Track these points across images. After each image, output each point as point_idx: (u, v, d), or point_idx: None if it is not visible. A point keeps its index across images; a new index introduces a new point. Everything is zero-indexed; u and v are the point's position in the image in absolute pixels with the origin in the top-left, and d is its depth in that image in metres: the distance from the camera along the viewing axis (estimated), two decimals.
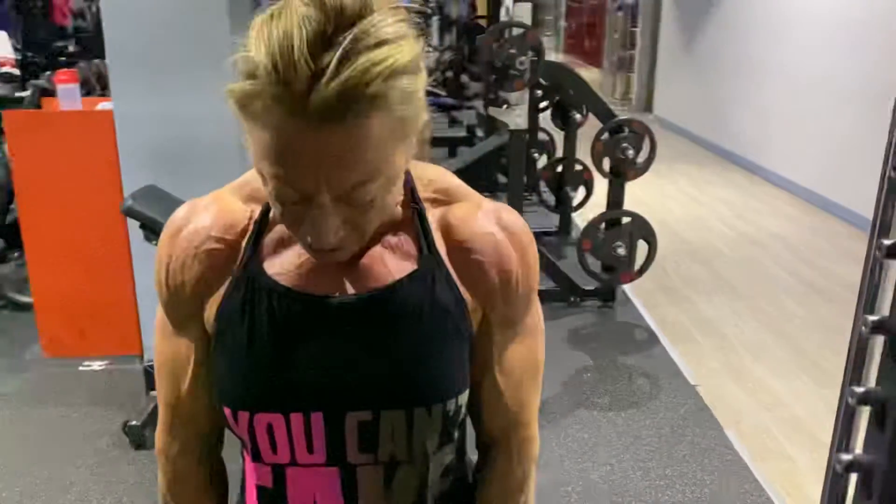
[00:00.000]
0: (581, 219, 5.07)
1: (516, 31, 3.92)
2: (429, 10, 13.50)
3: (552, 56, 15.54)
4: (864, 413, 1.02)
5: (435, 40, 12.58)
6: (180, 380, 0.90)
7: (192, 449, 0.95)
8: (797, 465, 2.82)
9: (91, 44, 7.43)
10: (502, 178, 5.40)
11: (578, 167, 5.10)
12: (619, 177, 3.99)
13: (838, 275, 4.66)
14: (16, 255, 3.89)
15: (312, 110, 0.64)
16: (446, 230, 0.85)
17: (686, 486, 2.68)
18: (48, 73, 3.80)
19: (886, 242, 0.88)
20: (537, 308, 0.92)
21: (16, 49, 6.22)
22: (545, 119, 5.41)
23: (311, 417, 0.82)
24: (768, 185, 6.92)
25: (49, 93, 3.50)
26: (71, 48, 8.67)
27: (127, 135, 2.97)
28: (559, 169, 5.20)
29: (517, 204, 4.14)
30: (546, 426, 3.02)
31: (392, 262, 0.83)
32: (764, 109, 7.20)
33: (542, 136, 5.61)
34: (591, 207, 4.94)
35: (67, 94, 3.19)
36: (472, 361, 0.87)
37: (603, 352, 3.69)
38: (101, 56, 2.92)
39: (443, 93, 8.47)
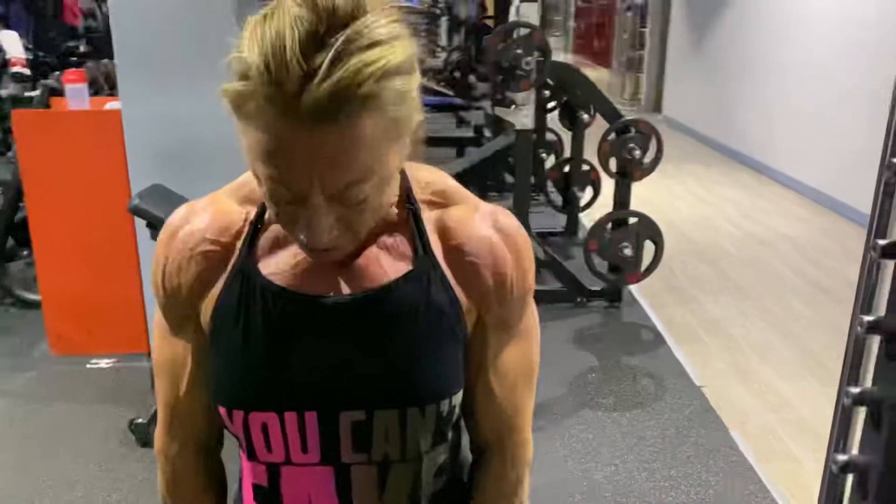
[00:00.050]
0: (588, 219, 5.06)
1: (523, 32, 3.92)
2: (438, 11, 13.52)
3: (561, 56, 15.53)
4: (863, 414, 1.02)
5: (443, 40, 12.59)
6: (179, 380, 0.91)
7: (190, 449, 0.96)
8: (802, 467, 2.81)
9: (101, 44, 7.46)
10: (510, 179, 5.40)
11: (586, 167, 5.09)
12: (625, 177, 3.98)
13: (846, 275, 4.63)
14: (24, 253, 3.91)
15: (304, 111, 0.65)
16: (443, 232, 0.85)
17: (690, 486, 2.68)
18: (58, 73, 3.82)
19: (882, 242, 0.88)
20: (532, 311, 0.92)
21: (27, 49, 6.27)
22: (553, 119, 5.40)
23: (306, 417, 0.83)
24: (776, 186, 6.89)
25: (58, 92, 3.52)
26: (82, 48, 8.72)
27: (134, 134, 2.99)
28: (566, 169, 5.20)
29: (524, 204, 4.14)
30: (550, 426, 3.02)
31: (387, 263, 0.84)
32: (772, 110, 7.17)
33: (549, 136, 5.60)
34: (598, 208, 4.93)
35: (75, 93, 3.21)
36: (467, 364, 0.87)
37: (608, 352, 3.68)
38: (112, 56, 2.94)
39: (450, 93, 8.47)
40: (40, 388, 3.27)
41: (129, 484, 2.62)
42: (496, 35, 4.04)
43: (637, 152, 3.88)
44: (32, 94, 3.86)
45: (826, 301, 4.31)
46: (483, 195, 4.57)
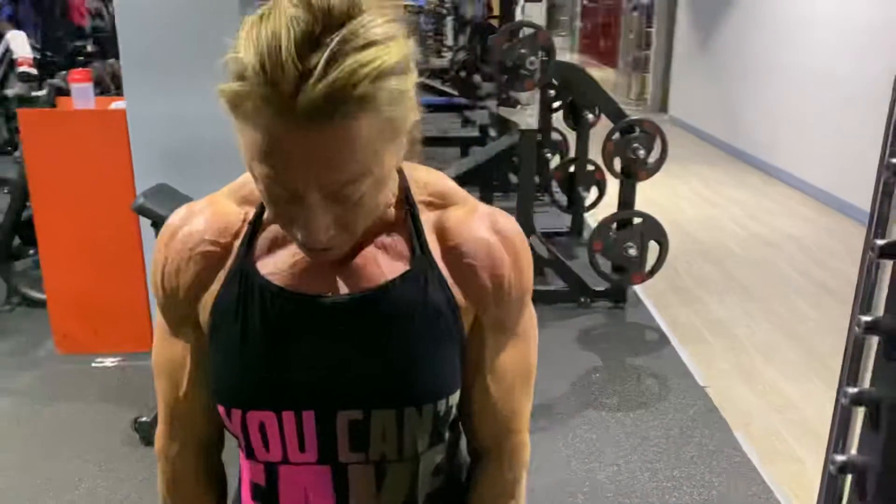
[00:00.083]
0: (594, 219, 5.06)
1: (527, 32, 3.92)
2: (444, 11, 13.50)
3: (567, 56, 15.52)
4: (862, 414, 1.01)
5: (449, 40, 12.58)
6: (178, 381, 0.91)
7: (190, 450, 0.96)
8: (806, 468, 2.80)
9: (108, 44, 7.50)
10: (514, 178, 5.40)
11: (591, 167, 5.09)
12: (630, 177, 3.98)
13: (851, 276, 4.59)
14: (31, 252, 3.93)
15: (300, 111, 0.65)
16: (441, 233, 0.86)
17: (694, 487, 2.67)
18: (64, 72, 3.84)
19: (880, 242, 0.88)
20: (531, 313, 0.92)
21: (34, 49, 6.29)
22: (558, 119, 5.40)
23: (303, 416, 0.83)
24: (782, 186, 6.87)
25: (64, 92, 3.54)
26: (89, 48, 8.76)
27: (139, 134, 3.00)
28: (571, 169, 5.19)
29: (528, 204, 4.14)
30: (554, 426, 3.02)
31: (385, 263, 0.84)
32: (778, 110, 7.15)
33: (554, 136, 5.60)
34: (603, 208, 4.93)
35: (81, 93, 3.23)
36: (464, 365, 0.88)
37: (612, 352, 3.68)
38: (119, 56, 2.95)
39: (455, 93, 8.47)
40: (45, 386, 3.28)
41: (133, 482, 2.63)
42: (501, 35, 4.04)
43: (641, 152, 3.88)
44: (39, 93, 3.88)
45: (831, 302, 4.29)
46: (488, 195, 4.59)
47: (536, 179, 4.91)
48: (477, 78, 7.99)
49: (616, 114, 4.05)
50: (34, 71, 4.97)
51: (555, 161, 5.54)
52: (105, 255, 3.31)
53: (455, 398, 0.86)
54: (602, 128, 4.33)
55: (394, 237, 0.85)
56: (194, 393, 0.91)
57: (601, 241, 3.95)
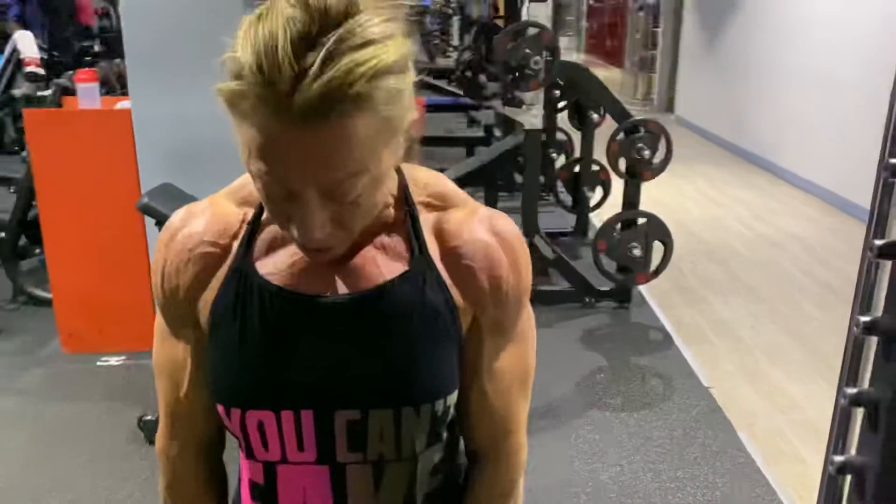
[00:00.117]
0: (599, 219, 5.05)
1: (532, 31, 3.91)
2: (450, 11, 13.49)
3: (574, 56, 15.51)
4: (861, 415, 1.01)
5: (455, 40, 12.57)
6: (179, 382, 0.92)
7: (191, 450, 0.97)
8: (810, 469, 2.80)
9: (116, 44, 7.51)
10: (519, 178, 5.39)
11: (595, 167, 5.08)
12: (634, 177, 3.97)
13: (856, 277, 4.60)
14: (37, 251, 3.95)
15: (296, 110, 0.65)
16: (440, 234, 0.86)
17: (697, 488, 2.67)
18: (71, 72, 3.86)
19: (878, 243, 0.88)
20: (529, 315, 0.92)
21: (41, 49, 6.31)
22: (563, 119, 5.40)
23: (302, 415, 0.83)
24: (787, 186, 6.85)
25: (71, 92, 3.55)
26: (96, 48, 8.79)
27: (144, 133, 3.01)
28: (576, 169, 5.19)
29: (533, 204, 4.14)
30: (557, 426, 3.02)
31: (383, 263, 0.84)
32: (784, 110, 7.13)
33: (560, 136, 5.60)
34: (608, 208, 4.92)
35: (87, 93, 3.24)
36: (462, 366, 0.88)
37: (617, 353, 3.68)
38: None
39: (460, 92, 8.46)
40: (51, 385, 3.30)
41: (137, 480, 2.64)
42: (505, 35, 4.04)
43: (646, 152, 3.87)
44: (45, 93, 3.89)
45: (836, 302, 4.28)
46: (492, 195, 4.58)
47: (541, 179, 4.91)
48: (482, 78, 7.98)
49: (621, 114, 4.05)
50: (41, 71, 4.99)
51: (560, 161, 5.54)
52: (110, 254, 3.33)
53: (453, 398, 0.86)
54: (607, 128, 4.32)
55: (393, 238, 0.85)
56: (194, 393, 0.91)
57: (606, 241, 3.95)
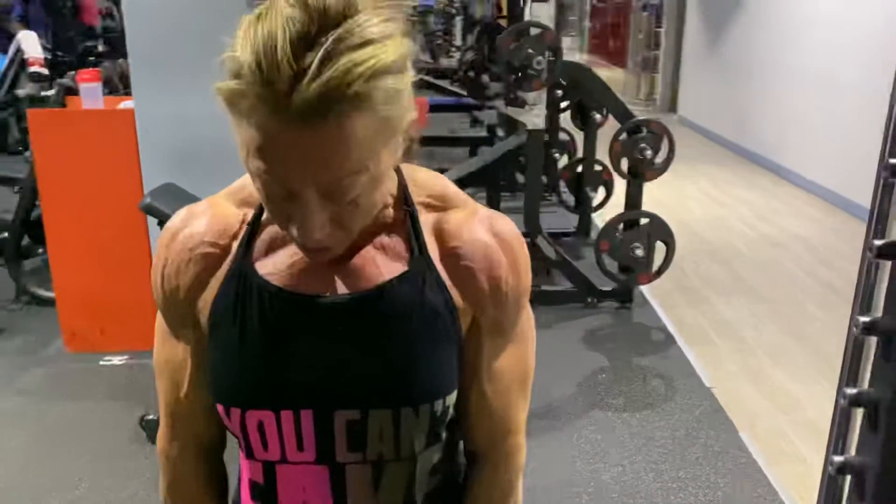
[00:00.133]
0: (601, 219, 5.05)
1: (534, 32, 3.91)
2: (453, 11, 13.49)
3: (577, 56, 15.51)
4: (861, 415, 1.01)
5: (458, 40, 12.57)
6: (179, 383, 0.92)
7: (192, 450, 0.97)
8: (812, 469, 2.79)
9: (119, 43, 7.52)
10: (522, 178, 5.39)
11: (598, 168, 5.08)
12: (637, 177, 3.97)
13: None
14: (39, 251, 3.96)
15: (294, 110, 0.65)
16: (439, 235, 0.86)
17: (699, 488, 2.67)
18: (74, 72, 3.87)
19: (877, 243, 0.88)
20: (528, 316, 0.92)
21: (45, 49, 6.33)
22: (566, 119, 5.39)
23: (301, 415, 0.83)
24: (790, 186, 6.84)
25: (74, 92, 3.56)
26: (100, 48, 8.80)
27: (147, 133, 3.02)
28: (579, 169, 5.19)
29: (535, 204, 4.14)
30: (559, 426, 3.02)
31: (383, 263, 0.84)
32: (787, 110, 7.13)
33: (562, 136, 5.59)
34: (611, 208, 4.92)
35: (89, 92, 3.25)
36: (461, 367, 0.88)
37: (619, 353, 3.68)
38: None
39: (464, 93, 8.47)
40: (54, 384, 3.31)
41: (140, 480, 2.65)
42: (508, 35, 4.04)
43: (648, 152, 3.87)
44: (49, 93, 3.90)
45: (839, 303, 4.27)
46: (495, 195, 4.59)
47: (544, 179, 4.91)
48: (485, 78, 7.99)
49: (623, 114, 4.05)
50: (45, 71, 5.00)
51: (562, 161, 5.53)
52: (113, 254, 3.33)
53: (452, 399, 0.87)
54: (610, 128, 4.32)
55: (392, 238, 0.86)
56: (195, 394, 0.91)
57: (608, 241, 3.95)
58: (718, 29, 8.98)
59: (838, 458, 0.97)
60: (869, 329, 0.91)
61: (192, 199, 2.43)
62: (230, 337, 0.85)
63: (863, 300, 0.96)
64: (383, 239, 0.85)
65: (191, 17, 2.83)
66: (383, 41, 0.69)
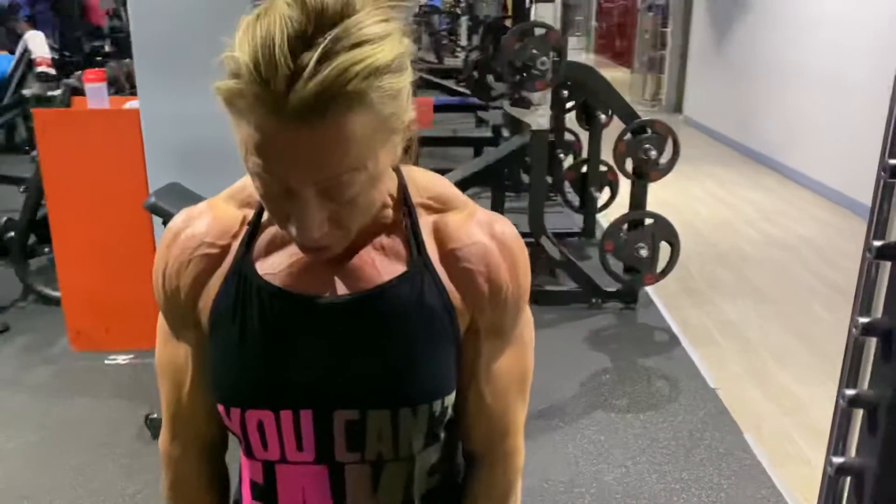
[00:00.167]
0: (606, 220, 5.04)
1: (538, 32, 3.91)
2: (458, 11, 13.47)
3: (582, 56, 15.48)
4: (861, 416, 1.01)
5: (464, 40, 12.56)
6: (181, 384, 0.92)
7: (193, 451, 0.97)
8: (816, 471, 2.76)
9: (126, 44, 7.55)
10: (526, 179, 5.39)
11: (603, 168, 5.08)
12: (641, 178, 3.97)
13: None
14: (45, 250, 3.97)
15: (292, 109, 0.66)
16: (439, 237, 0.86)
17: (702, 490, 2.66)
18: (80, 72, 3.88)
19: (877, 244, 0.88)
20: (527, 318, 0.92)
21: (52, 49, 6.36)
22: (571, 119, 5.39)
23: (301, 415, 0.84)
24: (796, 187, 6.82)
25: (80, 92, 3.58)
26: (107, 48, 8.84)
27: (153, 133, 3.03)
28: (584, 169, 5.18)
29: (539, 204, 4.14)
30: (562, 427, 3.02)
31: (382, 264, 0.85)
32: (793, 111, 7.11)
33: (567, 136, 5.59)
34: (615, 208, 4.92)
35: (95, 92, 3.26)
36: (459, 368, 0.88)
37: (623, 353, 3.67)
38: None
39: (469, 93, 8.47)
40: (59, 382, 3.32)
41: (144, 478, 2.66)
42: (512, 35, 4.04)
43: (653, 153, 3.87)
44: (55, 93, 3.92)
45: (844, 304, 4.25)
46: (499, 195, 4.59)
47: (548, 180, 4.91)
48: (490, 78, 7.98)
49: (628, 114, 4.04)
50: (52, 71, 5.03)
51: (567, 161, 5.53)
52: (118, 253, 3.34)
53: (450, 399, 0.87)
54: (615, 128, 4.32)
55: (391, 239, 0.86)
56: (197, 395, 0.92)
57: (613, 241, 3.95)
58: (724, 29, 8.97)
59: (838, 460, 0.97)
60: (868, 330, 0.91)
61: (197, 198, 2.44)
62: (230, 337, 0.85)
63: (863, 301, 0.96)
64: (382, 240, 0.86)
65: (196, 18, 2.84)
66: (381, 40, 0.69)
